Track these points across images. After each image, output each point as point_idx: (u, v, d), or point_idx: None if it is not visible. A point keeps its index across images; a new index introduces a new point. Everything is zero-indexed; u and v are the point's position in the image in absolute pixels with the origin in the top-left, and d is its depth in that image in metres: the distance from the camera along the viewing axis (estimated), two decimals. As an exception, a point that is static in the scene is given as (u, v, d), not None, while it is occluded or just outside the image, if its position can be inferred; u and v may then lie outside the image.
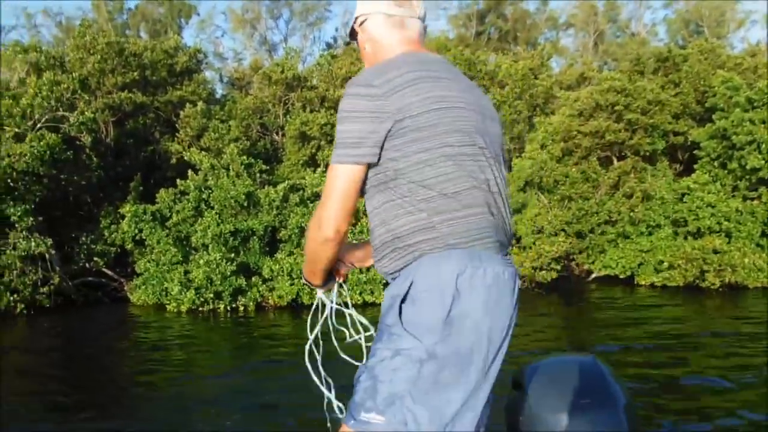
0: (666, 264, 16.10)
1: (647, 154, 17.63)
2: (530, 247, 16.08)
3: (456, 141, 2.12)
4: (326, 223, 2.13)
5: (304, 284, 2.37)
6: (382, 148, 2.08)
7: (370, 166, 2.11)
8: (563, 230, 16.76)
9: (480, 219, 2.11)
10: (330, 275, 2.49)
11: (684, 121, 17.72)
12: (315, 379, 2.51)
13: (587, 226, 17.22)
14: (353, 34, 2.49)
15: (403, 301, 2.05)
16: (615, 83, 17.54)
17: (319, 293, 2.58)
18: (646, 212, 16.90)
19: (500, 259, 2.13)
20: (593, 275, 17.74)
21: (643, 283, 16.56)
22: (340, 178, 2.11)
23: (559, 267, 16.26)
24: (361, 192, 2.20)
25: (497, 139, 2.30)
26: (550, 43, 37.86)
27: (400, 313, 2.05)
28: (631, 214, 16.94)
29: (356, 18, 2.42)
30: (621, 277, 16.97)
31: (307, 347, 2.56)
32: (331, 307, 2.59)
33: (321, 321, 2.59)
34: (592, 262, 17.64)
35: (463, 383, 2.01)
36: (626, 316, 12.81)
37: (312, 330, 2.56)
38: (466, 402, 2.03)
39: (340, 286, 2.60)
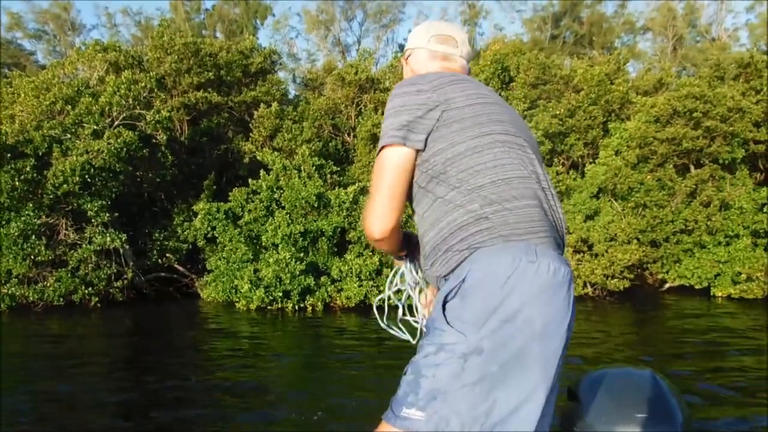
0: (744, 276, 15.62)
1: (726, 162, 17.10)
2: (602, 255, 15.78)
3: (502, 130, 2.13)
4: (374, 222, 2.14)
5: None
6: (428, 134, 2.10)
7: (417, 161, 2.14)
8: (637, 238, 16.39)
9: (534, 211, 2.07)
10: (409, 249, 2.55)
11: (765, 129, 17.12)
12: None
13: (662, 235, 16.80)
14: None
15: (451, 297, 2.02)
16: (694, 89, 17.07)
17: (401, 266, 2.65)
18: (724, 222, 16.41)
19: (556, 255, 2.06)
20: (667, 285, 17.32)
21: (719, 294, 16.08)
22: (389, 163, 2.13)
23: (632, 276, 15.95)
24: (409, 198, 2.22)
25: (533, 140, 2.29)
26: (626, 48, 37.28)
27: (444, 308, 2.02)
28: (708, 223, 16.46)
29: (404, 51, 2.57)
30: (697, 287, 16.51)
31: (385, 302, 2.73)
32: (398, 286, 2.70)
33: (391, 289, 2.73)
34: (667, 272, 17.20)
35: (515, 383, 1.94)
36: (699, 329, 12.44)
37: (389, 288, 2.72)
38: (521, 403, 1.95)
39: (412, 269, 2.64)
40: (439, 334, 2.00)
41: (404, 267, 2.61)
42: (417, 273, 2.58)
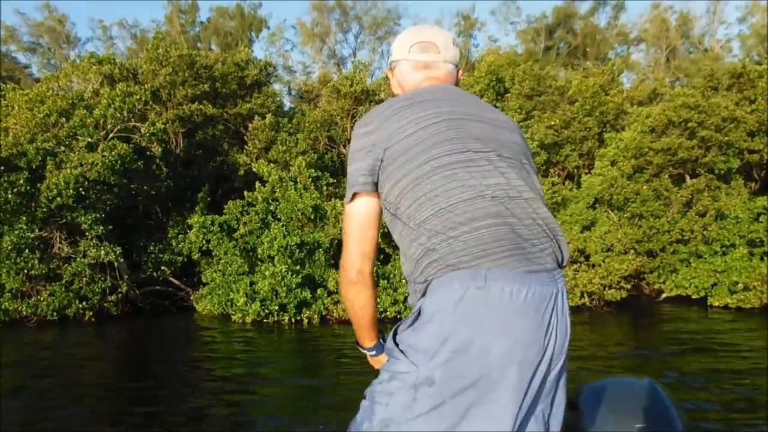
0: (741, 285, 15.58)
1: (721, 172, 17.13)
2: (599, 265, 15.75)
3: (445, 151, 2.04)
4: (347, 267, 2.18)
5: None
6: (378, 176, 2.09)
7: (382, 202, 2.13)
8: (633, 248, 16.39)
9: (486, 233, 1.96)
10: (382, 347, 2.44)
11: (760, 139, 17.16)
12: None
13: (658, 245, 16.81)
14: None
15: (403, 328, 2.03)
16: (688, 99, 17.11)
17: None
18: (720, 231, 16.39)
19: (518, 275, 1.94)
20: (664, 295, 17.27)
21: (716, 304, 16.01)
22: (351, 217, 2.17)
23: (629, 286, 15.90)
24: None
25: (514, 146, 2.18)
26: (620, 59, 37.36)
27: (396, 337, 2.02)
28: (704, 233, 16.45)
29: (390, 64, 2.53)
30: (693, 297, 16.46)
31: None
32: None
33: None
34: (664, 282, 17.17)
35: (474, 413, 1.89)
36: (697, 338, 12.43)
37: None
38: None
39: None
40: (393, 362, 2.00)
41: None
42: None
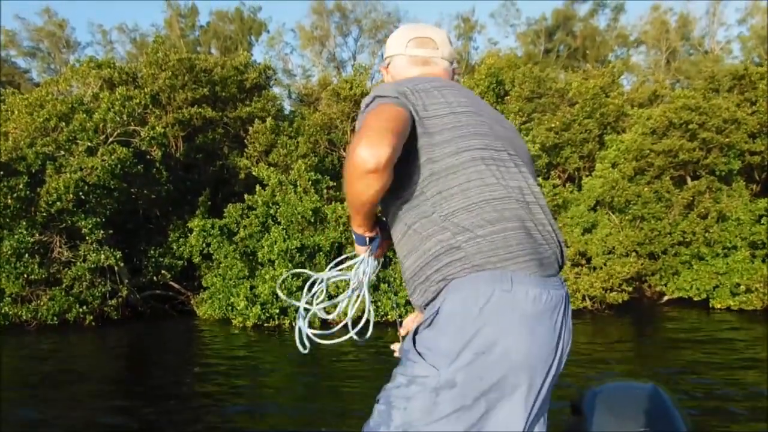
0: (743, 287, 15.57)
1: (722, 173, 17.12)
2: (601, 268, 15.72)
3: (481, 144, 2.01)
4: (365, 148, 1.81)
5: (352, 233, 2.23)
6: (414, 129, 1.97)
7: (408, 162, 1.97)
8: (635, 251, 16.36)
9: (511, 235, 1.94)
10: (376, 231, 2.31)
11: (761, 141, 17.16)
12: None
13: (660, 247, 16.78)
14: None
15: (423, 328, 1.96)
16: (689, 101, 17.10)
17: (363, 254, 2.43)
18: (722, 233, 16.37)
19: (538, 279, 1.94)
20: (666, 297, 17.25)
21: (718, 306, 16.00)
22: (387, 108, 1.92)
23: (630, 288, 15.86)
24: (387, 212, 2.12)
25: (525, 151, 2.18)
26: (620, 61, 37.32)
27: (415, 338, 1.96)
28: (706, 235, 16.43)
29: (384, 60, 2.45)
30: (695, 299, 16.44)
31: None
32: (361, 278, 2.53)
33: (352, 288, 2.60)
34: (665, 284, 17.15)
35: (492, 415, 1.87)
36: (699, 341, 12.39)
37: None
38: None
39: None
40: (411, 365, 1.94)
41: (365, 259, 2.42)
42: (371, 273, 2.45)
